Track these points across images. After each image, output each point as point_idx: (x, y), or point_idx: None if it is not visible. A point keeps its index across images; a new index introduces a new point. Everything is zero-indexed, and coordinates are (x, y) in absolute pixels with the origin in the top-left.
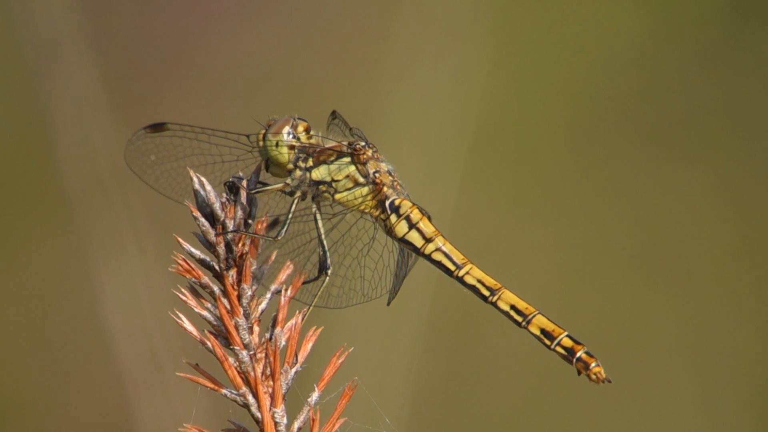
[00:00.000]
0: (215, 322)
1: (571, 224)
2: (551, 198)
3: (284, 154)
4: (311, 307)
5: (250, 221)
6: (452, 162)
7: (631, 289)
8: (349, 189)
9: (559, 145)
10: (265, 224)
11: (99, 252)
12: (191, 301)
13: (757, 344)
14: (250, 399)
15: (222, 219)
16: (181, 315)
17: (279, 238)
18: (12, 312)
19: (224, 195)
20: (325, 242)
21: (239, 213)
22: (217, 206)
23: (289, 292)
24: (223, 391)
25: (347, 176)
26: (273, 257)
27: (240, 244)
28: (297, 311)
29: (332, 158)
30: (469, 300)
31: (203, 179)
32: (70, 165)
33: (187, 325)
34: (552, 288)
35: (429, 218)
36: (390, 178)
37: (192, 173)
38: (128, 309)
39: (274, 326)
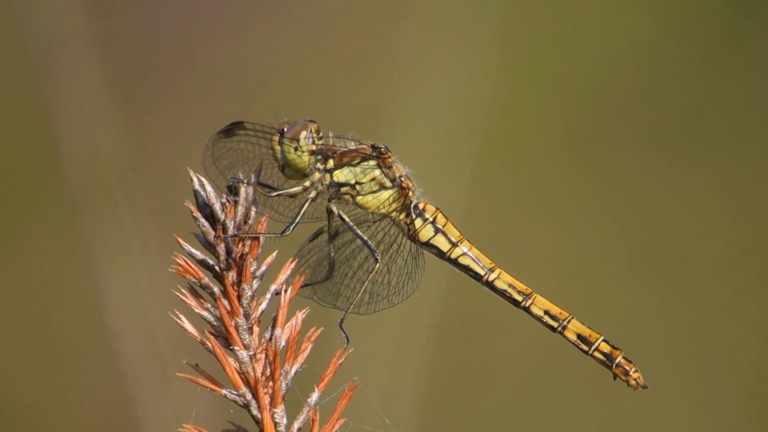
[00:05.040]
0: (215, 323)
1: (571, 224)
2: (551, 198)
3: (304, 159)
4: (346, 314)
5: (250, 222)
6: (453, 163)
7: (631, 289)
8: (374, 192)
9: (559, 145)
10: (265, 224)
11: (102, 251)
12: (191, 302)
13: (756, 344)
14: (250, 399)
15: (222, 220)
16: (181, 315)
17: (286, 234)
18: (14, 311)
19: (224, 196)
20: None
21: (240, 214)
22: (217, 207)
23: (289, 292)
24: (223, 391)
25: (373, 179)
26: (273, 258)
27: (240, 245)
28: (297, 311)
29: (356, 161)
30: (469, 300)
31: (203, 179)
32: (73, 163)
33: (187, 326)
34: (551, 288)
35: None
36: (410, 182)
37: (191, 173)
38: (131, 308)
39: (274, 327)
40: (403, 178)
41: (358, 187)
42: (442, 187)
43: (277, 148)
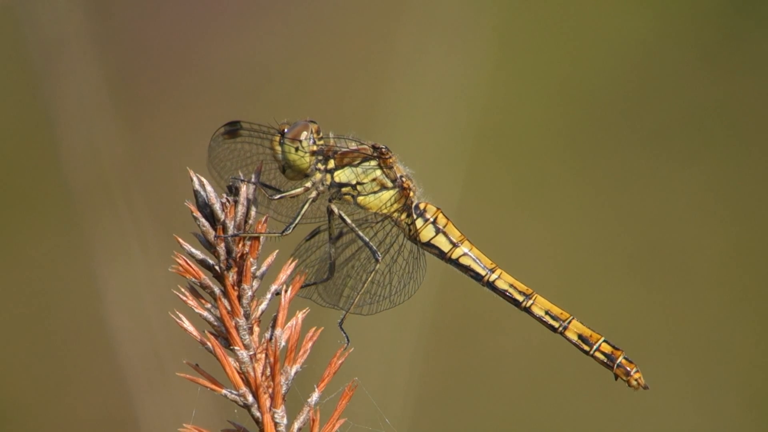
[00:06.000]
0: (215, 323)
1: (571, 224)
2: (551, 198)
3: (305, 159)
4: (347, 314)
5: (250, 222)
6: (453, 161)
7: (631, 289)
8: (375, 193)
9: (558, 144)
10: (265, 224)
11: (101, 251)
12: (191, 302)
13: (756, 344)
14: (250, 399)
15: (222, 220)
16: (181, 315)
17: (286, 233)
18: (14, 311)
19: (224, 195)
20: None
21: (240, 213)
22: (217, 207)
23: (289, 292)
24: (223, 391)
25: (373, 180)
26: (273, 258)
27: (240, 245)
28: (297, 311)
29: (357, 161)
30: (470, 300)
31: (203, 179)
32: (73, 164)
33: (188, 326)
34: (551, 288)
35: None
36: (411, 182)
37: (192, 173)
38: (130, 309)
39: (274, 327)
40: (404, 179)
41: (359, 187)
42: (442, 187)
43: (278, 148)
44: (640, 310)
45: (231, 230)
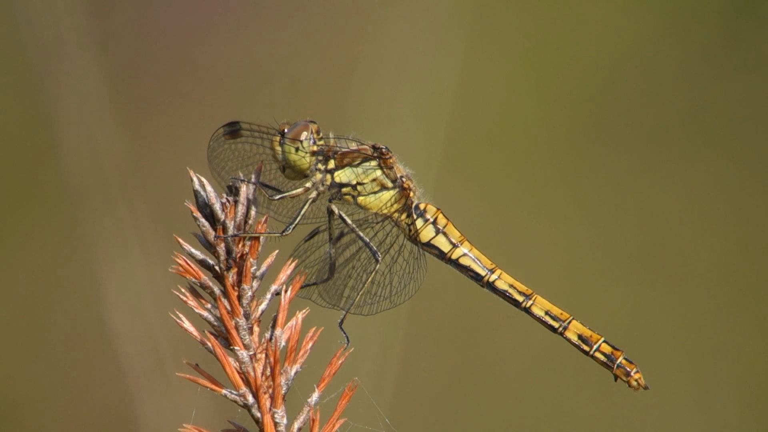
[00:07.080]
0: (215, 323)
1: (571, 224)
2: (551, 198)
3: (306, 160)
4: (347, 314)
5: (250, 222)
6: (453, 161)
7: (631, 289)
8: (375, 193)
9: (559, 145)
10: (265, 224)
11: (101, 251)
12: (191, 302)
13: (756, 344)
14: (250, 399)
15: (222, 220)
16: (181, 315)
17: (286, 233)
18: (13, 311)
19: (224, 195)
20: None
21: (240, 214)
22: (217, 207)
23: (289, 292)
24: (223, 391)
25: (374, 180)
26: (273, 258)
27: (240, 245)
28: (297, 311)
29: (357, 161)
30: (468, 300)
31: (203, 179)
32: (72, 164)
33: (188, 326)
34: (551, 288)
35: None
36: (411, 182)
37: (192, 173)
38: (130, 309)
39: (274, 327)
40: (404, 179)
41: (359, 187)
42: (441, 187)
43: (278, 149)
44: (640, 310)
45: (231, 230)
